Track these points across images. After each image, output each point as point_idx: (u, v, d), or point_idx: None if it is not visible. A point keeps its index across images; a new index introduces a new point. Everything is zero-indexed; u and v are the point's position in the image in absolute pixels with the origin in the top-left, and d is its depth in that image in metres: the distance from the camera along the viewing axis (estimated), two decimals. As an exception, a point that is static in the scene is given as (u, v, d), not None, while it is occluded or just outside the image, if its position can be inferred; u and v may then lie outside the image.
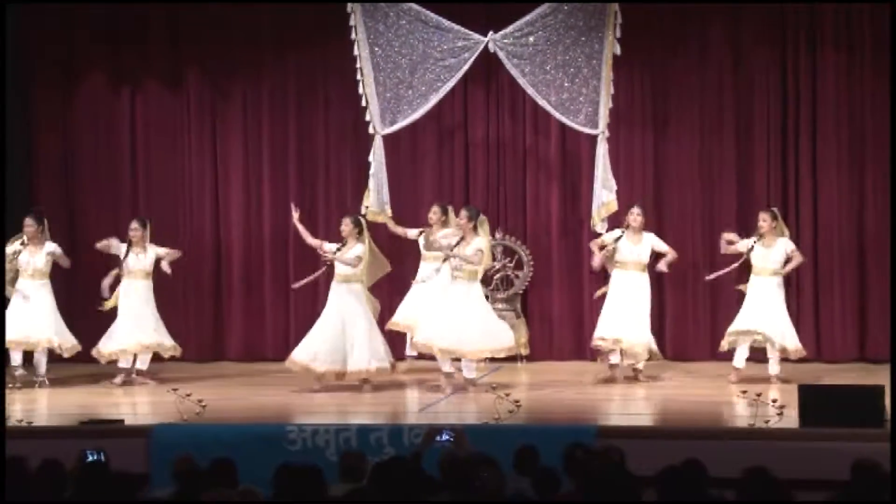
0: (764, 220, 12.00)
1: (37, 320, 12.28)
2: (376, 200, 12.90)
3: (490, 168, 14.07)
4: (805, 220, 13.49)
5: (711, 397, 11.40)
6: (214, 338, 14.29)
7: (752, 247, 11.96)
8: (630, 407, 11.33)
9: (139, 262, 12.42)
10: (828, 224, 13.47)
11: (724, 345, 12.08)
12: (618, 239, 12.14)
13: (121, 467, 6.59)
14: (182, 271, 14.06)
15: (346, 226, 11.79)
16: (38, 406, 11.31)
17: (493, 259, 13.18)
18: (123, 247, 12.41)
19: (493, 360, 12.34)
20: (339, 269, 11.75)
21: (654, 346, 12.21)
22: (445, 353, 11.67)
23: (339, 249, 11.74)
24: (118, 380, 12.31)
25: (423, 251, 12.71)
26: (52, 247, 12.39)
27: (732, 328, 12.02)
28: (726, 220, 13.44)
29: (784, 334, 11.98)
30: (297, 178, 14.22)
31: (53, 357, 12.47)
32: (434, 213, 12.69)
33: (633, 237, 12.15)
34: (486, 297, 12.38)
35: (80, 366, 12.79)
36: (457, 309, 11.68)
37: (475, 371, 11.78)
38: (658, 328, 13.29)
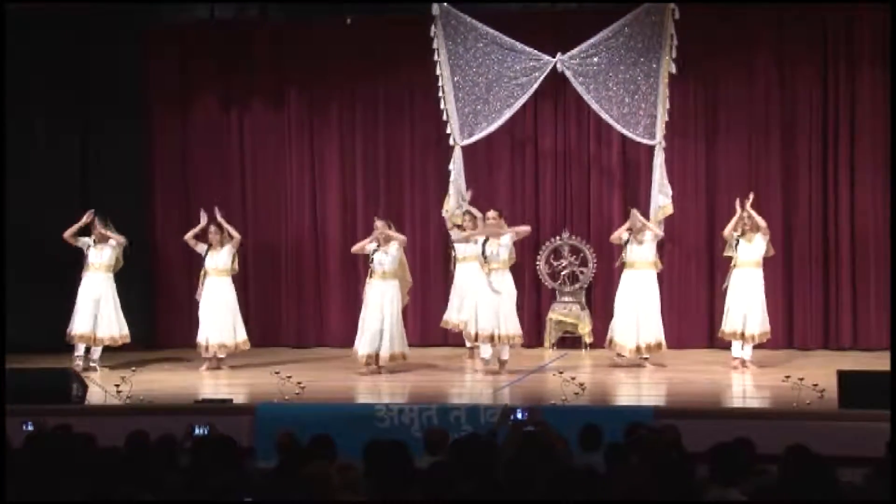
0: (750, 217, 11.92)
1: (102, 317, 12.42)
2: (455, 204, 12.90)
3: (557, 175, 14.03)
4: (843, 220, 13.33)
5: (755, 381, 11.30)
6: (314, 326, 14.39)
7: (738, 241, 11.87)
8: (683, 389, 11.21)
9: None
10: (864, 224, 13.29)
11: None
12: (627, 241, 12.11)
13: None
14: (285, 267, 14.23)
15: (382, 227, 11.89)
16: (158, 386, 11.44)
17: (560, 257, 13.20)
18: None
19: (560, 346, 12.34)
20: (378, 267, 11.81)
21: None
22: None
23: (376, 250, 11.79)
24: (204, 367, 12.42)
25: (460, 255, 12.68)
26: (113, 243, 12.51)
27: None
28: (773, 222, 13.32)
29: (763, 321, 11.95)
30: (385, 184, 14.28)
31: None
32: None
33: (637, 237, 12.10)
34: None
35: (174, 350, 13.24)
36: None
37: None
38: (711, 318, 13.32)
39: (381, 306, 11.77)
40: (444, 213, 13.00)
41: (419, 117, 14.04)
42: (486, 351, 11.82)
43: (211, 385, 11.44)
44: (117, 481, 5.51)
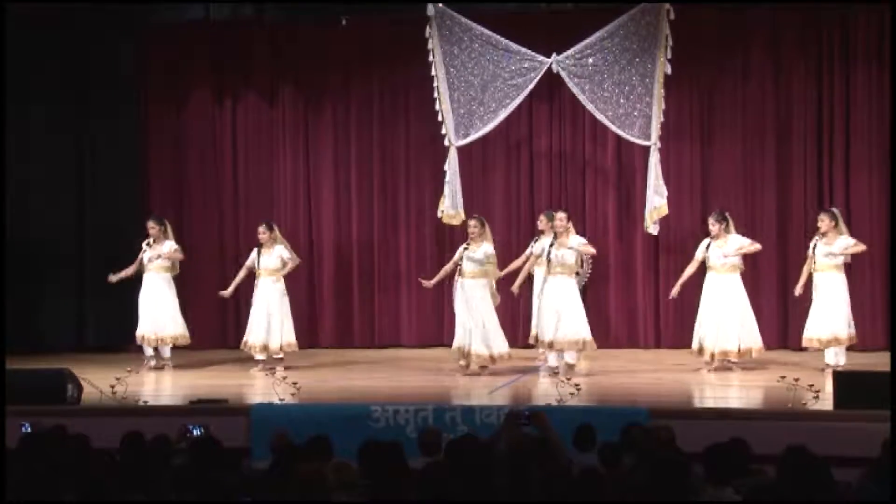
0: (822, 220, 11.77)
1: (164, 317, 12.52)
2: (451, 205, 12.88)
3: (553, 176, 14.03)
4: (838, 220, 13.33)
5: (752, 381, 11.29)
6: (308, 327, 14.35)
7: (816, 245, 11.76)
8: (677, 390, 11.21)
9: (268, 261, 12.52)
10: (859, 224, 13.25)
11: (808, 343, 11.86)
12: (708, 246, 11.91)
13: (225, 442, 6.60)
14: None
15: (476, 227, 11.76)
16: (159, 387, 11.46)
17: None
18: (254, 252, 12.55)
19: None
20: (467, 266, 11.69)
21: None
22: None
23: (466, 248, 11.69)
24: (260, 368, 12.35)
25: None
26: (171, 244, 12.55)
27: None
28: (766, 221, 13.37)
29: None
30: (380, 185, 14.27)
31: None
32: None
33: (719, 241, 11.93)
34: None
35: (199, 353, 13.18)
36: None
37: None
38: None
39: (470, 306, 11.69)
40: (438, 214, 12.98)
41: (414, 118, 14.03)
42: (571, 357, 11.68)
43: (207, 386, 11.42)
44: (112, 482, 5.50)
